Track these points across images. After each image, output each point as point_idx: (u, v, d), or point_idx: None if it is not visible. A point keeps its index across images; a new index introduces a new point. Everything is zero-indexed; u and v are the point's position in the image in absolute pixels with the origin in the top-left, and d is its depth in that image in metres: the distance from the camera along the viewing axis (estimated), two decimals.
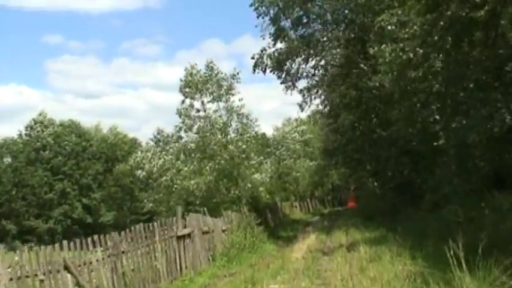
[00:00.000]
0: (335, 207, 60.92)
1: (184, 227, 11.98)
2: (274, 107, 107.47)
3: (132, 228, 10.88)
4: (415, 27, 11.84)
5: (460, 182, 13.46)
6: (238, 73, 21.14)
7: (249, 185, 19.83)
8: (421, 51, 11.84)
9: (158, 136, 26.65)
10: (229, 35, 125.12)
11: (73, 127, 54.52)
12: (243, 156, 19.71)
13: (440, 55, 11.97)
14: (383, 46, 13.12)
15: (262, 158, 23.56)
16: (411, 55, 11.76)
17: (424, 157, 20.50)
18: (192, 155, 20.53)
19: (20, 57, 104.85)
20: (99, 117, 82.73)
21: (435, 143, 13.44)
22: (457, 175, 13.58)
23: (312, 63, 28.97)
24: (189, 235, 11.96)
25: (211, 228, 13.97)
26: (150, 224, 11.50)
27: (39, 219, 51.10)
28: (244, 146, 19.65)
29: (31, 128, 51.93)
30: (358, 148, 32.71)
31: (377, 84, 19.39)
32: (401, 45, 11.94)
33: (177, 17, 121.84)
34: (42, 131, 52.07)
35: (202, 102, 20.97)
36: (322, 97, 40.47)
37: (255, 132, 22.44)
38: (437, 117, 13.67)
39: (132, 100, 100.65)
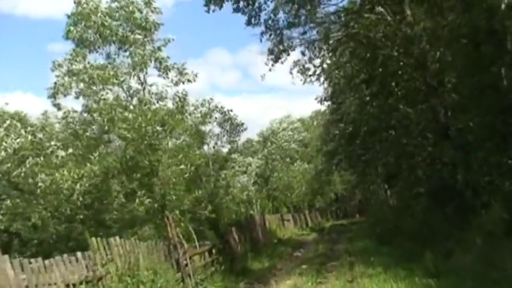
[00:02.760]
0: (339, 220, 52.42)
1: None
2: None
3: None
4: None
5: None
6: None
7: (171, 186, 11.04)
8: None
9: None
10: (234, 44, 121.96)
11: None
12: (164, 131, 11.04)
13: None
14: None
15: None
16: None
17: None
18: (80, 131, 11.90)
19: (26, 65, 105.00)
20: None
21: None
22: None
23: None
24: None
25: None
26: None
27: None
28: (164, 116, 10.96)
29: None
30: (369, 141, 24.19)
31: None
32: None
33: (183, 27, 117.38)
34: None
35: (108, 55, 12.30)
36: (322, 78, 32.53)
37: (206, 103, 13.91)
38: None
39: None
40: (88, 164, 10.58)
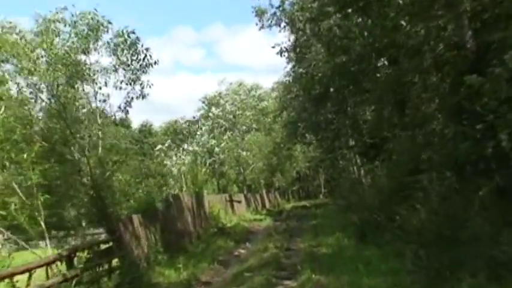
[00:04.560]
0: (301, 201, 46.90)
1: None
2: None
3: None
4: None
5: None
6: None
7: None
8: None
9: None
10: (200, 22, 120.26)
11: None
12: None
13: None
14: None
15: None
16: None
17: None
18: None
19: None
20: None
21: None
22: None
23: None
24: None
25: None
26: None
27: None
28: None
29: None
30: (344, 94, 17.94)
31: None
32: None
33: (147, 3, 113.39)
34: None
35: None
36: (283, 23, 26.10)
37: None
38: None
39: None
40: None
